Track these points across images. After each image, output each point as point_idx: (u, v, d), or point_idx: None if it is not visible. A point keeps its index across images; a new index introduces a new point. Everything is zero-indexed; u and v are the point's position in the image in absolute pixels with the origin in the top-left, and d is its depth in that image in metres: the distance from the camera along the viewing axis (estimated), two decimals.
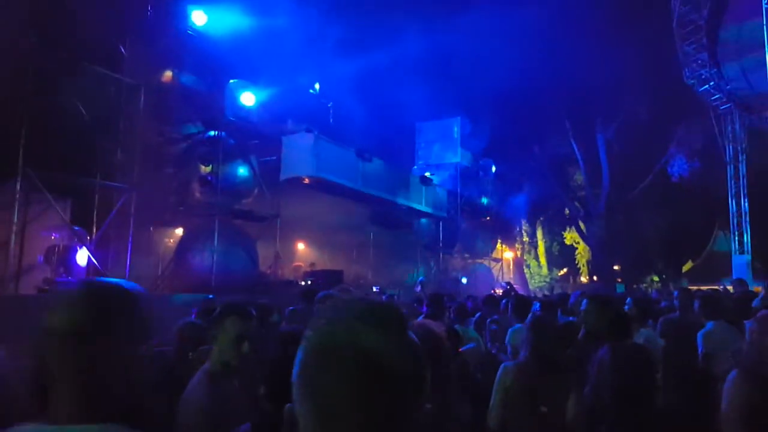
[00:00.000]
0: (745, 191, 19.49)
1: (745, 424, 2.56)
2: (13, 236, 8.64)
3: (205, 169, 11.60)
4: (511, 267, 28.42)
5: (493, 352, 4.91)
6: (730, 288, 10.18)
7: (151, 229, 12.39)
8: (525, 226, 32.21)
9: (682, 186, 25.53)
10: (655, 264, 30.61)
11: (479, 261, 23.87)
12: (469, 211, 22.77)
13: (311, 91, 15.31)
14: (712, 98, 19.33)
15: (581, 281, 33.31)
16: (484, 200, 23.74)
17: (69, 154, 9.20)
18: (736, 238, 19.46)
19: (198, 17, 11.59)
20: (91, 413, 0.95)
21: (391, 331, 0.78)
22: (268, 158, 13.33)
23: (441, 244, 21.19)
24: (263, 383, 1.66)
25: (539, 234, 33.38)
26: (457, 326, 4.95)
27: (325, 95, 15.75)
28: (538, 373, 3.24)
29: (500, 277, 24.26)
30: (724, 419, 2.66)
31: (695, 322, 4.03)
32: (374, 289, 12.24)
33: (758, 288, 7.24)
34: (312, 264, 15.44)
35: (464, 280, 20.41)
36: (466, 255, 23.21)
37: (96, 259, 9.77)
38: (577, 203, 28.85)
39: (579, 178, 28.68)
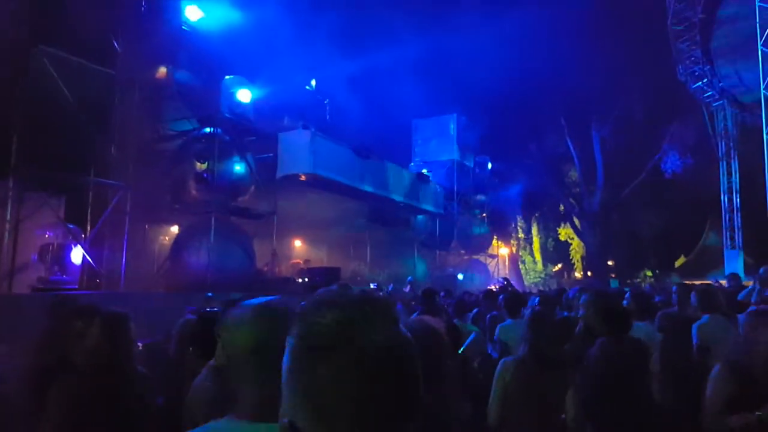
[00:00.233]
0: (737, 187, 19.64)
1: (725, 416, 2.60)
2: (6, 234, 8.59)
3: (200, 167, 11.54)
4: (507, 263, 28.53)
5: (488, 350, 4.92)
6: (722, 282, 10.25)
7: (147, 226, 12.33)
8: (520, 223, 32.36)
9: (675, 182, 25.69)
10: (648, 259, 30.82)
11: (475, 257, 23.93)
12: (465, 208, 22.82)
13: (307, 87, 15.27)
14: (705, 95, 19.45)
15: (575, 277, 33.49)
16: (481, 197, 23.79)
17: (63, 152, 9.13)
18: (728, 233, 19.61)
19: (193, 13, 11.52)
20: (269, 414, 1.05)
21: (382, 323, 0.76)
22: (265, 155, 13.28)
23: (437, 241, 21.23)
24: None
25: (534, 230, 33.54)
26: (455, 321, 4.97)
27: (321, 92, 15.71)
28: (537, 369, 3.26)
29: (496, 273, 24.34)
30: (706, 410, 2.70)
31: (693, 317, 4.07)
32: (371, 286, 12.24)
33: (749, 283, 7.30)
34: (307, 261, 15.42)
35: (460, 276, 20.47)
36: (463, 251, 23.28)
37: (91, 258, 9.72)
38: (571, 200, 28.98)
39: (574, 174, 28.82)
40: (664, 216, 26.81)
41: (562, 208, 30.67)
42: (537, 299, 5.00)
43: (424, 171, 19.49)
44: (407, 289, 12.27)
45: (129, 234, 10.75)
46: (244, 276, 11.76)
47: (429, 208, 19.55)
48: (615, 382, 3.04)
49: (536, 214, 32.61)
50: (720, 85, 18.69)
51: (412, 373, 0.76)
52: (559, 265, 34.96)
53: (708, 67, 18.09)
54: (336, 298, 0.79)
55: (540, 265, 33.73)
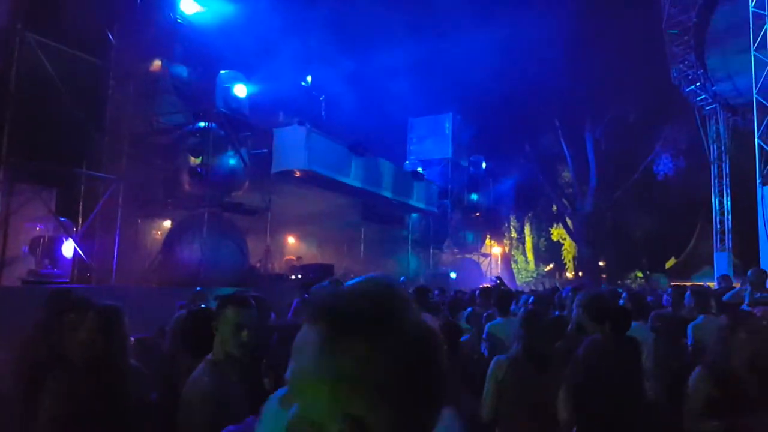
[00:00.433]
0: (728, 190, 19.82)
1: (705, 418, 2.64)
2: None
3: (194, 161, 11.47)
4: (499, 262, 28.64)
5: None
6: (710, 284, 10.36)
7: (139, 220, 12.25)
8: (513, 222, 32.51)
9: (666, 184, 25.90)
10: (639, 260, 31.05)
11: (468, 256, 24.00)
12: (459, 207, 22.87)
13: (303, 83, 15.23)
14: (698, 99, 19.59)
15: (567, 277, 33.69)
16: (474, 196, 23.86)
17: (55, 144, 9.05)
18: (718, 236, 19.79)
19: (189, 6, 11.44)
20: None
21: (415, 311, 0.77)
22: (259, 151, 13.23)
23: (431, 239, 21.26)
24: (269, 376, 1.66)
25: (527, 230, 33.71)
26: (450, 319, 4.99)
27: (317, 88, 15.67)
28: (530, 367, 3.28)
29: (489, 272, 24.43)
30: (687, 413, 2.73)
31: (687, 318, 4.11)
32: None
33: (738, 284, 7.38)
34: (299, 258, 15.39)
35: (453, 275, 20.51)
36: (456, 250, 23.33)
37: (82, 251, 9.65)
38: (564, 200, 29.14)
39: (567, 175, 28.98)
40: (656, 218, 27.03)
41: (554, 208, 30.84)
42: (532, 298, 5.03)
43: (419, 169, 19.51)
44: None
45: (121, 228, 10.67)
46: (237, 272, 11.72)
47: (423, 206, 19.58)
48: (605, 379, 3.07)
49: (529, 214, 32.77)
50: (713, 89, 18.83)
51: (443, 359, 0.76)
52: (551, 265, 35.16)
53: (701, 71, 18.23)
54: (371, 287, 0.77)
55: (532, 265, 33.91)
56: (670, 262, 30.97)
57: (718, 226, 19.90)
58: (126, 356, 2.57)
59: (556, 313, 5.02)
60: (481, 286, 15.07)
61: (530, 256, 33.83)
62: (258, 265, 12.91)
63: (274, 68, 13.36)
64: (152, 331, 4.37)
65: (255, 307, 2.34)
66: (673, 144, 24.82)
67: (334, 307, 0.74)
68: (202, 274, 10.54)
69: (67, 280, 9.22)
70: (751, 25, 12.13)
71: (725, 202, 19.91)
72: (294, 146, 13.09)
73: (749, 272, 5.76)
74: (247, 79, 12.52)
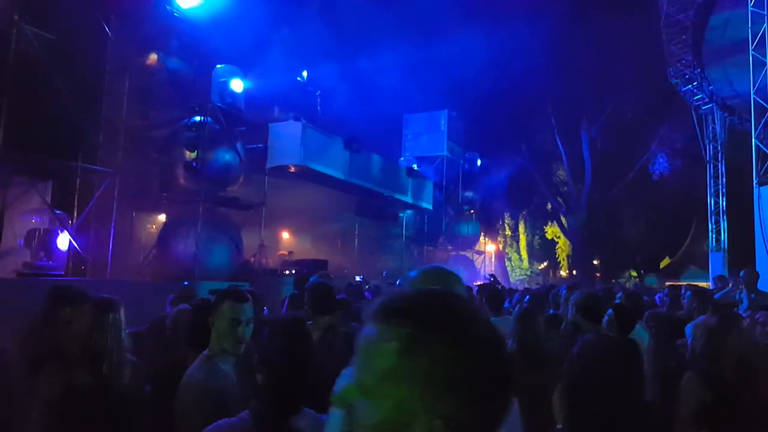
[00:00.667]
0: (724, 190, 19.89)
1: (700, 424, 2.65)
2: None
3: (189, 155, 11.42)
4: (493, 259, 28.70)
5: None
6: (703, 284, 10.43)
7: (134, 214, 12.23)
8: (508, 220, 32.56)
9: (662, 184, 25.99)
10: (633, 259, 31.18)
11: (462, 253, 24.04)
12: (454, 204, 22.89)
13: (299, 79, 15.18)
14: (695, 98, 19.63)
15: (561, 275, 33.80)
16: (469, 193, 23.88)
17: (51, 136, 9.02)
18: (714, 236, 19.87)
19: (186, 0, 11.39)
20: None
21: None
22: (255, 146, 13.20)
23: (425, 236, 21.28)
24: (260, 371, 1.67)
25: (521, 228, 33.76)
26: None
27: (313, 84, 15.63)
28: (524, 365, 3.30)
29: (483, 270, 24.48)
30: (681, 419, 2.74)
31: (682, 318, 4.13)
32: (357, 279, 12.25)
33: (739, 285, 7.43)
34: (290, 252, 15.38)
35: None
36: (450, 247, 23.37)
37: (77, 244, 9.62)
38: (559, 198, 29.19)
39: (562, 173, 29.02)
40: (651, 217, 27.15)
41: (549, 206, 30.90)
42: (528, 297, 5.03)
43: (414, 166, 19.51)
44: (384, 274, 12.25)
45: (116, 221, 10.65)
46: (232, 266, 11.72)
47: (417, 202, 19.59)
48: (601, 379, 3.08)
49: (524, 212, 32.82)
50: (710, 88, 18.87)
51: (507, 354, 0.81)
52: (545, 263, 35.26)
53: (698, 70, 18.25)
54: (440, 292, 0.80)
55: (526, 263, 33.99)
56: (665, 262, 31.12)
57: (713, 226, 19.98)
58: (122, 350, 2.56)
59: (551, 311, 5.04)
60: (475, 283, 15.11)
61: (524, 253, 33.91)
62: (252, 259, 12.91)
63: (270, 63, 13.33)
64: (146, 325, 4.36)
65: (251, 301, 2.34)
66: (669, 143, 24.90)
67: (417, 308, 0.75)
68: (197, 269, 10.54)
69: (62, 272, 9.20)
70: (749, 25, 12.14)
71: (721, 202, 19.98)
72: (289, 141, 13.08)
73: (742, 273, 5.81)
74: (243, 73, 12.48)
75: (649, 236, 28.47)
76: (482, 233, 26.46)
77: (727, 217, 19.70)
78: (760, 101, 11.92)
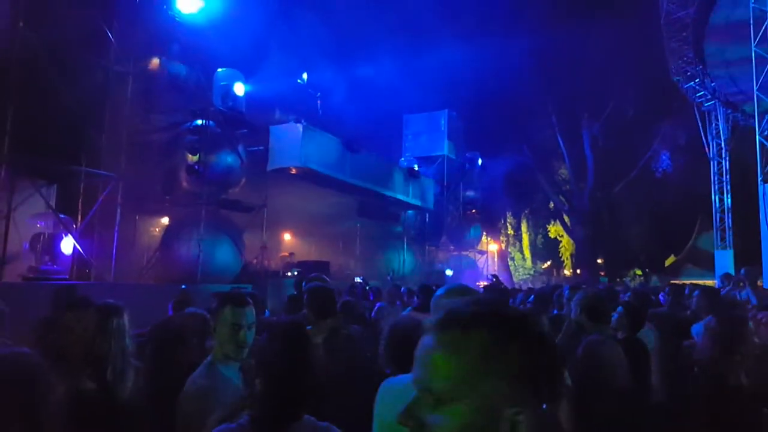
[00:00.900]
0: (728, 187, 19.79)
1: (716, 426, 2.65)
2: None
3: (191, 158, 11.47)
4: (496, 259, 28.65)
5: None
6: (709, 282, 10.38)
7: (137, 218, 12.26)
8: (510, 219, 32.47)
9: (665, 181, 25.91)
10: (637, 258, 31.07)
11: (465, 253, 24.02)
12: (455, 204, 22.87)
13: (299, 81, 15.21)
14: (697, 95, 19.57)
15: (565, 274, 33.71)
16: (471, 193, 23.85)
17: (54, 141, 9.06)
18: (719, 233, 19.78)
19: (186, 4, 11.42)
20: None
21: None
22: (256, 148, 13.23)
23: (427, 236, 21.26)
24: (259, 376, 1.65)
25: (524, 227, 33.67)
26: None
27: (313, 86, 15.65)
28: None
29: (485, 270, 24.45)
30: (697, 421, 2.74)
31: (686, 317, 4.10)
32: (357, 280, 12.24)
33: (742, 283, 7.41)
34: (291, 254, 15.39)
35: (449, 272, 20.52)
36: (452, 247, 23.34)
37: (81, 248, 9.65)
38: (561, 197, 29.12)
39: (564, 172, 28.94)
40: (655, 215, 27.05)
41: (552, 205, 30.81)
42: (532, 297, 5.01)
43: (415, 166, 19.51)
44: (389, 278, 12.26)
45: (120, 225, 10.69)
46: (234, 269, 11.75)
47: (419, 203, 19.58)
48: (608, 381, 3.07)
49: (526, 211, 32.74)
50: (712, 85, 18.81)
51: None
52: (549, 263, 35.17)
53: (700, 67, 18.20)
54: (496, 301, 0.90)
55: (529, 262, 33.91)
56: (670, 260, 30.99)
57: (719, 224, 19.88)
58: (126, 355, 2.57)
59: (555, 311, 5.02)
60: (479, 284, 15.08)
61: (527, 253, 33.83)
62: (254, 261, 12.93)
63: (271, 66, 13.37)
64: (150, 328, 4.37)
65: (252, 305, 2.33)
66: (672, 140, 24.82)
67: (488, 316, 0.83)
68: (199, 271, 10.57)
69: (67, 276, 9.24)
70: (751, 21, 12.10)
71: (725, 199, 19.89)
72: (290, 143, 13.09)
73: (742, 270, 5.78)
74: (244, 76, 12.52)
75: (652, 234, 28.37)
76: (484, 233, 26.43)
77: (732, 214, 19.60)
78: (764, 97, 11.87)
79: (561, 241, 33.33)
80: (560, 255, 33.98)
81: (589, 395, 2.99)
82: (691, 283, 6.23)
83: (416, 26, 21.35)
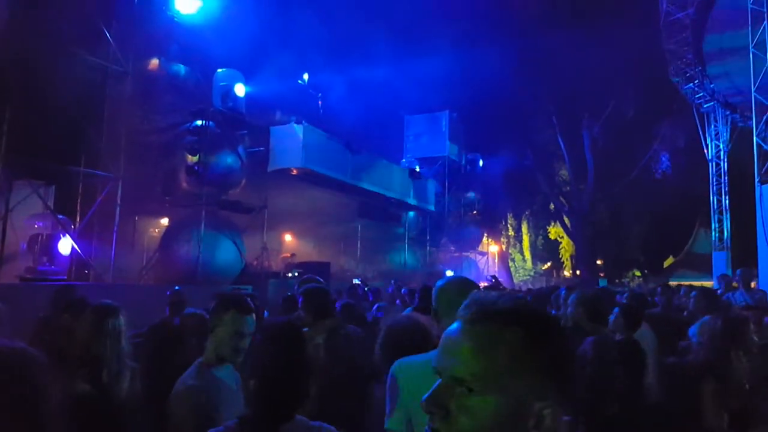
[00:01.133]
0: (727, 188, 19.80)
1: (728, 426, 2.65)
2: None
3: (191, 159, 11.46)
4: (497, 260, 28.64)
5: None
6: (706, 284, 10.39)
7: (136, 218, 12.25)
8: (511, 220, 32.46)
9: (665, 183, 25.90)
10: (637, 259, 31.07)
11: (465, 254, 24.01)
12: (456, 205, 22.87)
13: (300, 81, 15.21)
14: (696, 96, 19.56)
15: (565, 275, 33.70)
16: (471, 194, 23.85)
17: (53, 141, 9.05)
18: (717, 234, 19.78)
19: (185, 4, 11.43)
20: None
21: None
22: (256, 149, 13.24)
23: (428, 237, 21.27)
24: (253, 377, 1.64)
25: (524, 228, 33.64)
26: None
27: (314, 86, 15.65)
28: None
29: (486, 271, 24.44)
30: (707, 423, 2.74)
31: (680, 317, 4.12)
32: (356, 281, 12.23)
33: (735, 284, 7.42)
34: (293, 255, 15.39)
35: (449, 273, 20.51)
36: (453, 248, 23.34)
37: (80, 249, 9.64)
38: (562, 198, 29.10)
39: (564, 173, 28.93)
40: (654, 216, 27.05)
41: (552, 206, 30.80)
42: (530, 297, 5.02)
43: (416, 167, 19.51)
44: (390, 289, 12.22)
45: (119, 225, 10.66)
46: (234, 270, 11.74)
47: (419, 204, 19.58)
48: (605, 381, 3.07)
49: (526, 212, 32.72)
50: (711, 86, 18.81)
51: None
52: (549, 264, 35.15)
53: (699, 68, 18.20)
54: (521, 298, 0.93)
55: (529, 263, 33.88)
56: (669, 261, 31.00)
57: (717, 225, 19.89)
58: (122, 356, 2.56)
59: (553, 312, 5.02)
60: (481, 284, 14.97)
61: (527, 254, 33.80)
62: (255, 262, 12.92)
63: (271, 66, 13.38)
64: (147, 329, 4.36)
65: (254, 311, 2.30)
66: (672, 142, 24.81)
67: (519, 311, 0.85)
68: (199, 272, 10.55)
69: (65, 277, 9.22)
70: (749, 22, 12.10)
71: (723, 200, 19.89)
72: (291, 144, 13.10)
73: (738, 271, 5.81)
74: (244, 77, 12.51)
75: (651, 236, 28.39)
76: (485, 234, 26.43)
77: (730, 215, 19.60)
78: (762, 99, 11.88)
79: (561, 243, 33.32)
80: (560, 256, 33.97)
81: (587, 395, 2.98)
82: (688, 285, 6.25)
83: (417, 27, 21.37)
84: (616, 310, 3.61)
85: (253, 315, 2.28)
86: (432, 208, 20.52)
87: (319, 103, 15.59)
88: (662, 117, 24.23)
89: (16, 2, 8.77)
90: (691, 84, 19.00)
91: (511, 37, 21.62)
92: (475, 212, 24.14)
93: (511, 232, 32.99)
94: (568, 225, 29.19)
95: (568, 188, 28.83)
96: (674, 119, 23.40)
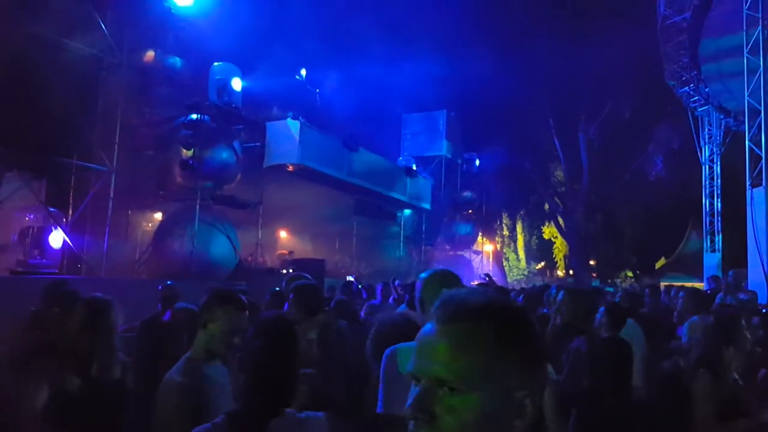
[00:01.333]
0: (719, 192, 19.91)
1: (726, 421, 2.67)
2: None
3: (186, 153, 11.39)
4: (491, 259, 28.73)
5: None
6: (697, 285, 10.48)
7: (130, 212, 12.20)
8: (505, 220, 32.57)
9: (658, 185, 26.05)
10: (629, 260, 31.23)
11: (460, 253, 24.06)
12: (452, 204, 22.90)
13: (297, 77, 15.16)
14: (691, 99, 19.64)
15: (558, 275, 33.86)
16: (467, 193, 23.90)
17: (45, 133, 8.95)
18: (708, 237, 19.90)
19: None
20: None
21: None
22: (252, 144, 13.19)
23: (423, 236, 21.29)
24: (244, 372, 1.64)
25: (519, 228, 33.77)
26: None
27: (311, 82, 15.60)
28: None
29: (480, 269, 24.51)
30: (702, 420, 2.76)
31: (665, 316, 4.16)
32: (349, 278, 12.23)
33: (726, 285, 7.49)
34: (291, 252, 15.37)
35: None
36: (448, 247, 23.38)
37: (72, 242, 9.58)
38: (556, 198, 29.20)
39: (559, 174, 29.04)
40: (647, 218, 27.19)
41: (547, 206, 30.92)
42: (522, 296, 5.06)
43: (413, 166, 19.52)
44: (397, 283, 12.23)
45: (111, 219, 10.61)
46: (228, 265, 11.70)
47: (415, 202, 19.59)
48: (595, 379, 3.09)
49: (521, 212, 32.83)
50: (706, 90, 18.89)
51: None
52: (542, 263, 35.29)
53: (695, 72, 18.27)
54: (492, 293, 0.95)
55: (523, 263, 34.02)
56: (661, 262, 31.17)
57: (708, 227, 20.01)
58: (113, 350, 2.55)
59: (545, 310, 5.06)
60: (473, 283, 15.05)
61: (521, 253, 33.93)
62: (249, 258, 12.89)
63: (269, 61, 13.31)
64: (140, 323, 4.35)
65: (247, 308, 2.28)
66: (666, 144, 24.95)
67: (493, 308, 0.86)
68: (193, 267, 10.51)
69: (56, 270, 9.17)
70: (744, 28, 12.16)
71: (716, 203, 20.01)
72: (287, 140, 13.06)
73: (731, 272, 5.88)
74: (240, 71, 12.45)
75: (644, 237, 28.56)
76: (480, 233, 26.49)
77: (721, 218, 19.73)
78: (754, 104, 11.95)
79: (555, 243, 33.47)
80: (554, 256, 34.13)
81: (574, 392, 3.01)
82: (679, 286, 6.30)
83: (416, 26, 21.33)
84: (602, 309, 3.65)
85: (246, 312, 2.26)
86: (428, 206, 20.54)
87: (317, 99, 15.54)
88: (657, 120, 24.35)
89: None
90: (687, 87, 19.07)
91: (509, 37, 21.65)
92: (470, 211, 24.18)
93: (505, 232, 33.11)
94: (562, 225, 29.30)
95: (563, 189, 28.94)
96: (669, 122, 23.52)
